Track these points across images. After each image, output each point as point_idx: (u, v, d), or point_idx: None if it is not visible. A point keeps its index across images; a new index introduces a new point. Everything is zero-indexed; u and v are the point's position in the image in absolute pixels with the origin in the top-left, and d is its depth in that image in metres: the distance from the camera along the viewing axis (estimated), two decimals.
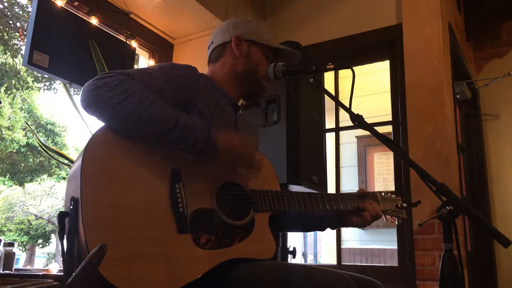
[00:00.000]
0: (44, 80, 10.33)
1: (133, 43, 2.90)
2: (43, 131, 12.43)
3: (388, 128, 3.03)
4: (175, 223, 1.07)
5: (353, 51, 3.23)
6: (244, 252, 1.15)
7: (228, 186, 1.22)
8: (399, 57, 2.92)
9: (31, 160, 11.97)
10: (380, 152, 4.53)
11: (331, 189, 2.88)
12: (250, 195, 1.23)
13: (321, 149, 2.19)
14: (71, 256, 1.00)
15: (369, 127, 1.24)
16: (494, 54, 4.10)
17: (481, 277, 3.57)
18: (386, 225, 4.20)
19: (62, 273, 1.06)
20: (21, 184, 12.68)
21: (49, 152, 2.49)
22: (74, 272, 0.80)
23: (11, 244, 1.98)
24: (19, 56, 9.22)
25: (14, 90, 10.36)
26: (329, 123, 3.25)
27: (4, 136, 11.23)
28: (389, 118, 3.01)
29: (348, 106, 1.27)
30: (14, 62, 9.73)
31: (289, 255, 2.06)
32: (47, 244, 13.80)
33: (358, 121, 1.23)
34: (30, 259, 13.40)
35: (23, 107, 12.15)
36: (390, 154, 4.24)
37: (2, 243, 1.96)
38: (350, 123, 1.25)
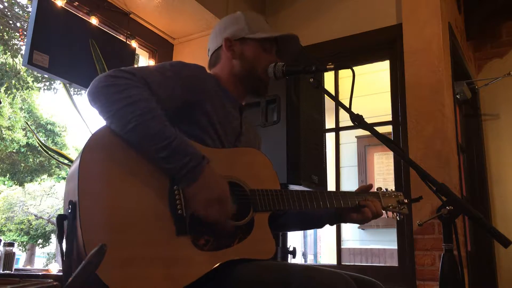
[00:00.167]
0: (44, 80, 10.33)
1: (133, 43, 2.90)
2: (43, 131, 12.43)
3: (388, 128, 3.03)
4: (173, 225, 1.07)
5: (353, 51, 3.23)
6: (244, 253, 1.15)
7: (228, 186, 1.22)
8: (399, 57, 2.92)
9: (31, 160, 11.97)
10: (380, 152, 4.53)
11: (331, 189, 2.88)
12: (250, 195, 1.23)
13: (321, 149, 2.19)
14: (70, 258, 1.00)
15: (369, 127, 1.24)
16: (494, 54, 4.10)
17: (481, 277, 3.57)
18: (386, 225, 4.20)
19: (62, 273, 1.06)
20: (21, 184, 12.68)
21: (49, 152, 2.49)
22: (74, 272, 0.80)
23: (11, 244, 1.98)
24: (19, 56, 9.22)
25: (14, 90, 10.36)
26: (329, 123, 3.25)
27: (4, 136, 11.23)
28: (389, 118, 3.01)
29: (348, 106, 1.26)
30: (14, 62, 9.73)
31: (289, 255, 2.06)
32: (47, 244, 13.80)
33: (358, 121, 1.23)
34: (30, 259, 13.41)
35: (23, 107, 12.15)
36: (390, 154, 4.24)
37: (2, 243, 1.96)
38: (350, 123, 1.25)
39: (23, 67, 9.31)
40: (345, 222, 1.46)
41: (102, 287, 0.93)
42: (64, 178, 12.55)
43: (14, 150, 11.66)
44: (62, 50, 2.33)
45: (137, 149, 1.09)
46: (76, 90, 7.93)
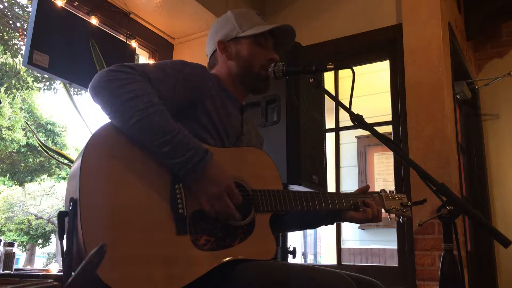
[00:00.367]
0: (44, 80, 10.33)
1: (133, 43, 2.90)
2: (43, 131, 12.43)
3: (388, 128, 3.03)
4: (174, 224, 1.06)
5: (353, 51, 3.23)
6: (244, 253, 1.15)
7: None
8: (399, 57, 2.92)
9: (31, 160, 11.97)
10: (380, 152, 4.53)
11: (331, 189, 2.88)
12: (252, 195, 1.23)
13: (321, 149, 2.19)
14: (70, 256, 1.00)
15: (369, 127, 1.24)
16: (494, 54, 4.10)
17: (481, 277, 3.57)
18: (386, 225, 4.20)
19: (62, 273, 1.06)
20: (21, 184, 12.68)
21: (49, 152, 2.49)
22: (74, 272, 0.80)
23: (11, 244, 1.98)
24: (19, 56, 9.22)
25: (14, 90, 10.36)
26: (329, 123, 3.25)
27: (4, 136, 11.23)
28: (389, 118, 3.01)
29: (348, 106, 1.26)
30: (14, 62, 9.73)
31: (289, 255, 2.06)
32: (47, 244, 13.81)
33: (358, 121, 1.23)
34: (30, 259, 13.41)
35: (23, 107, 12.15)
36: (390, 154, 4.24)
37: (2, 243, 1.96)
38: (350, 123, 1.25)
39: (23, 67, 9.31)
40: (345, 221, 1.46)
41: (102, 287, 0.93)
42: (64, 178, 12.57)
43: (14, 150, 11.66)
44: (62, 50, 2.33)
45: (140, 144, 1.08)
46: (76, 90, 7.93)
